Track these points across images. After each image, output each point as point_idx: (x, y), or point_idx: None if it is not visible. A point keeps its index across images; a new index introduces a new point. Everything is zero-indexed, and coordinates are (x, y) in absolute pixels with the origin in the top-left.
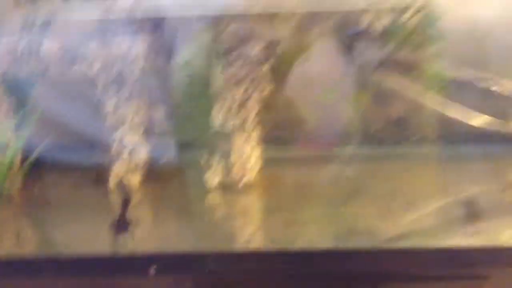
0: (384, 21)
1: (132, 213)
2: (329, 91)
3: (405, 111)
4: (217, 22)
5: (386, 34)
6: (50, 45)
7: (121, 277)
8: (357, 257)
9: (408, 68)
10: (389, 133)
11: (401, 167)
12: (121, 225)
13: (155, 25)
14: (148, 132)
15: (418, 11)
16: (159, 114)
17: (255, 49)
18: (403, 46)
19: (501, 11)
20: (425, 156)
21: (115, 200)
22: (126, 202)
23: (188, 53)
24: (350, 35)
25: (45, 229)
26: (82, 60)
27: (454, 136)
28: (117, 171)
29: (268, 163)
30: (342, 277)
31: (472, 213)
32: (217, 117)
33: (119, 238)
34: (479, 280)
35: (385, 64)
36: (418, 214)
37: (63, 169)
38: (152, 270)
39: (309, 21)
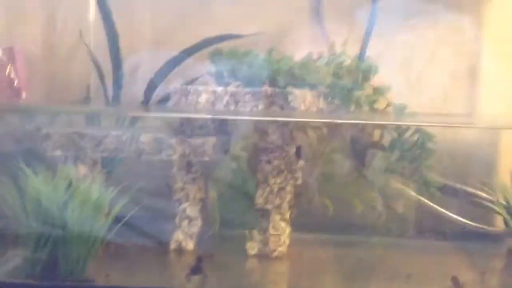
0: (390, 137)
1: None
2: (345, 187)
3: (406, 208)
4: (263, 128)
5: (391, 147)
6: (144, 138)
7: None
8: None
9: (407, 174)
10: (393, 226)
11: (402, 254)
12: (196, 269)
13: (220, 129)
14: (203, 208)
15: (416, 132)
16: (213, 195)
17: (291, 149)
18: (404, 157)
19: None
20: (419, 247)
21: (175, 258)
22: (200, 257)
23: (239, 148)
24: None
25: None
26: (166, 149)
27: (443, 232)
28: (177, 237)
29: (295, 240)
30: None
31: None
32: (260, 198)
33: (193, 277)
34: None
35: (390, 170)
36: None
37: (134, 236)
38: None
39: (331, 132)
